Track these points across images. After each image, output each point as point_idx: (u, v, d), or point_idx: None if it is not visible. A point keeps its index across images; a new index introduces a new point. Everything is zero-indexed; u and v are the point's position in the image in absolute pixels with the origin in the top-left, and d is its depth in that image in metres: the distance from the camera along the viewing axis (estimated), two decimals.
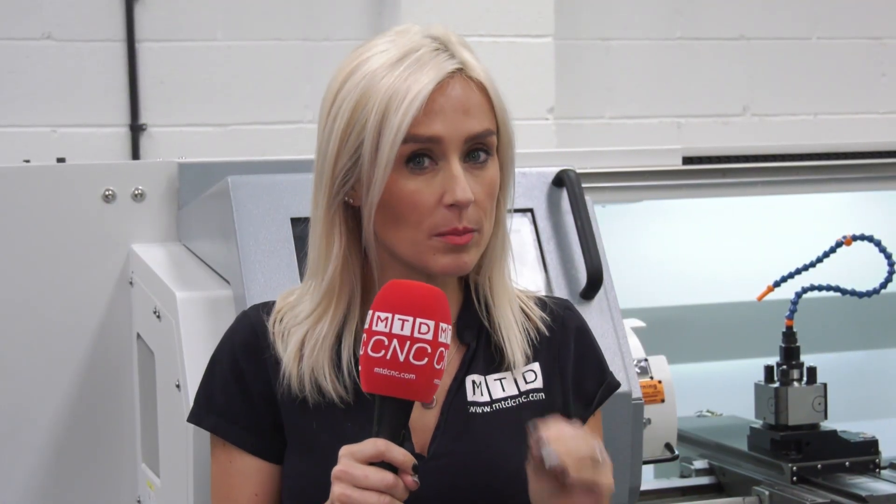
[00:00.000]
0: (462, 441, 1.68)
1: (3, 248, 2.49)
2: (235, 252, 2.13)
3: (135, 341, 2.48)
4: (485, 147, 1.66)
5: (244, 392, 1.73)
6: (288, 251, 2.13)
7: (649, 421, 2.52)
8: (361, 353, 1.52)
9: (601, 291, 2.26)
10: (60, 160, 2.73)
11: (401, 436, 1.50)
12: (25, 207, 2.50)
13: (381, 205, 1.64)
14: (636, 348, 2.52)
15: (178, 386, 2.13)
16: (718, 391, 3.36)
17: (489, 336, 1.74)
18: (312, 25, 4.67)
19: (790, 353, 2.83)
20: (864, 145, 3.30)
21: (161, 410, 2.28)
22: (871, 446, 2.81)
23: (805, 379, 2.82)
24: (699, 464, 2.94)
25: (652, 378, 2.57)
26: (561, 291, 2.25)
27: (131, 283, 2.50)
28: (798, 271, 2.83)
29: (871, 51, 5.33)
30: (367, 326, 1.52)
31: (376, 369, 1.50)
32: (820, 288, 2.82)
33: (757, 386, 2.87)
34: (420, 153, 1.63)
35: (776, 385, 2.82)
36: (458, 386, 1.71)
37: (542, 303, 1.81)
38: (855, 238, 2.76)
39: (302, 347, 1.68)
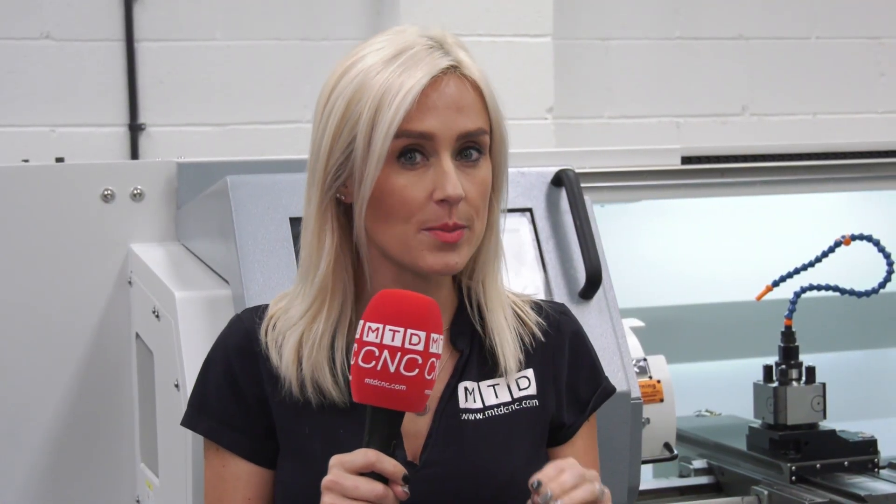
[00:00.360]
0: (454, 449, 1.68)
1: (2, 248, 2.49)
2: (234, 252, 2.13)
3: (134, 341, 2.48)
4: (477, 146, 1.66)
5: (237, 396, 1.73)
6: (287, 251, 2.13)
7: (648, 420, 2.52)
8: (352, 362, 1.52)
9: (600, 291, 2.26)
10: (59, 160, 2.73)
11: (391, 446, 1.50)
12: (24, 207, 2.50)
13: (372, 200, 1.64)
14: (635, 348, 2.53)
15: (176, 385, 2.13)
16: (717, 391, 3.37)
17: (482, 342, 1.73)
18: (311, 25, 4.67)
19: (789, 352, 2.83)
20: (863, 145, 3.30)
21: (160, 410, 2.28)
22: (869, 446, 2.81)
23: (804, 378, 2.83)
24: (698, 463, 2.95)
25: (651, 378, 2.57)
26: (560, 291, 2.25)
27: (130, 282, 2.50)
28: (797, 271, 2.84)
29: (870, 50, 5.33)
30: (357, 336, 1.51)
31: (367, 380, 1.49)
32: (819, 288, 2.82)
33: (756, 385, 2.87)
34: (412, 149, 1.63)
35: (775, 385, 2.82)
36: (450, 393, 1.70)
37: (537, 307, 1.80)
38: (854, 238, 2.77)
39: (300, 349, 1.68)
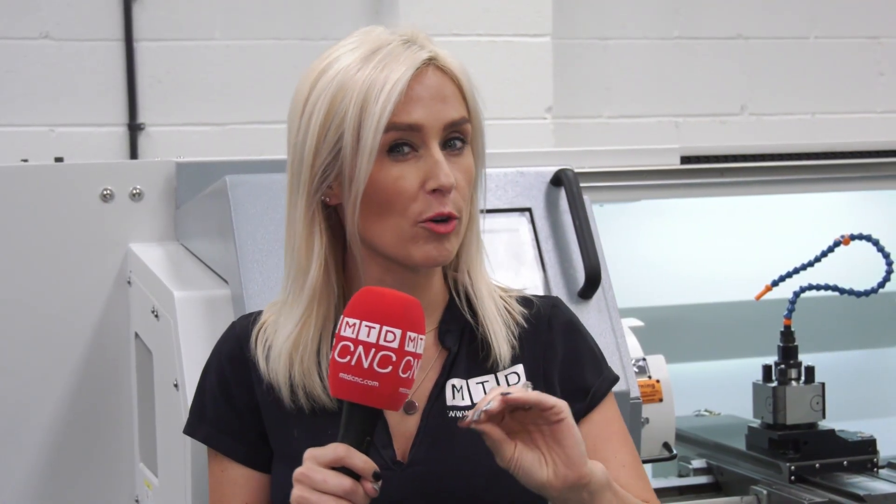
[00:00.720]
0: (441, 447, 1.68)
1: (1, 248, 2.49)
2: (233, 251, 2.13)
3: (133, 341, 2.48)
4: (461, 135, 1.68)
5: (231, 403, 1.75)
6: None
7: (647, 420, 2.52)
8: (330, 356, 1.53)
9: (599, 291, 2.26)
10: (58, 160, 2.73)
11: (365, 442, 1.51)
12: (23, 207, 2.50)
13: (365, 196, 1.64)
14: (634, 348, 2.53)
15: (175, 385, 2.13)
16: (716, 390, 3.37)
17: (473, 337, 1.73)
18: (311, 25, 4.67)
19: (788, 352, 2.83)
20: (862, 145, 3.30)
21: (159, 410, 2.28)
22: (868, 445, 2.81)
23: (803, 378, 2.82)
24: (697, 463, 2.94)
25: (650, 377, 2.57)
26: (559, 291, 2.25)
27: (129, 282, 2.50)
28: (796, 270, 2.84)
29: (869, 50, 5.33)
30: (336, 331, 1.52)
31: (341, 374, 1.50)
32: (818, 287, 2.82)
33: (755, 385, 2.87)
34: (401, 142, 1.64)
35: (774, 384, 2.82)
36: (438, 391, 1.71)
37: (527, 301, 1.80)
38: (853, 237, 2.77)
39: (292, 355, 1.68)
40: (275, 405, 1.70)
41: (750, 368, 2.95)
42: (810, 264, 2.82)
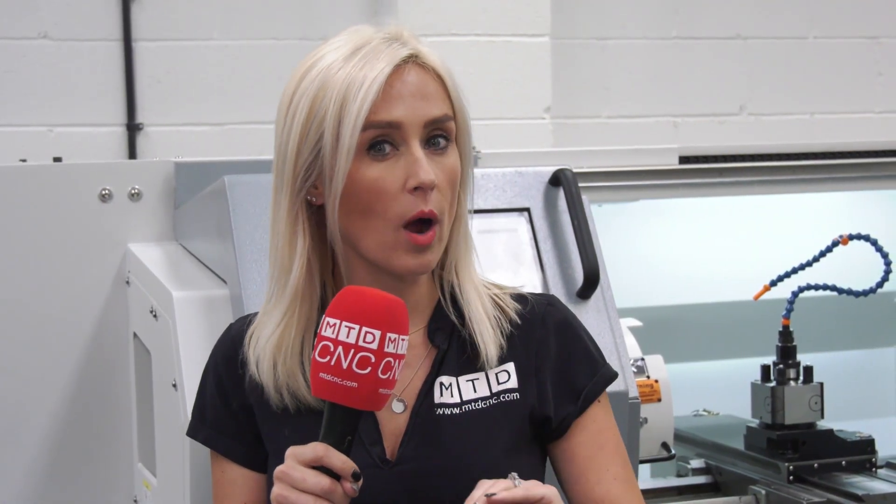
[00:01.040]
0: (429, 445, 1.67)
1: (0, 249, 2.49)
2: (232, 251, 2.13)
3: (131, 341, 2.48)
4: (444, 133, 1.66)
5: (227, 405, 1.76)
6: None
7: (646, 420, 2.52)
8: (311, 356, 1.53)
9: (598, 291, 2.26)
10: (57, 159, 2.73)
11: (346, 442, 1.51)
12: (22, 207, 2.50)
13: (345, 196, 1.64)
14: (633, 347, 2.53)
15: (174, 385, 2.13)
16: (715, 390, 3.37)
17: (461, 335, 1.73)
18: (309, 25, 4.67)
19: (787, 352, 2.83)
20: (861, 145, 3.30)
21: (157, 410, 2.28)
22: (867, 445, 2.81)
23: (801, 378, 2.83)
24: (696, 463, 2.95)
25: (648, 377, 2.57)
26: (558, 291, 2.25)
27: (128, 282, 2.49)
28: (794, 270, 2.84)
29: (868, 50, 5.33)
30: (318, 330, 1.52)
31: (321, 374, 1.50)
32: (816, 287, 2.82)
33: (753, 385, 2.87)
34: (380, 140, 1.63)
35: (773, 384, 2.82)
36: (427, 389, 1.70)
37: (522, 298, 1.79)
38: (851, 237, 2.77)
39: (276, 355, 1.68)
40: (266, 406, 1.71)
41: (748, 368, 2.95)
42: (809, 264, 2.82)
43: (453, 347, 1.73)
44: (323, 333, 1.51)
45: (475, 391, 1.71)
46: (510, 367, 1.74)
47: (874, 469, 2.79)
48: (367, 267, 1.69)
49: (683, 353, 3.35)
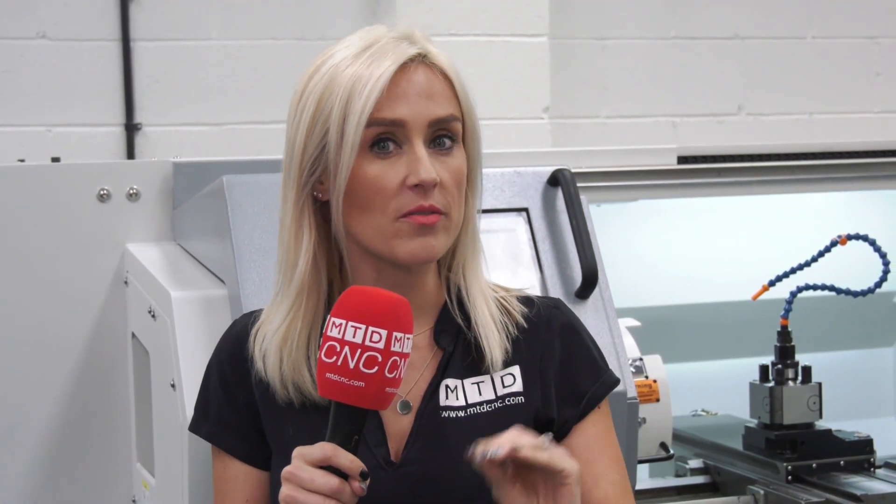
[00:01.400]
0: (433, 448, 1.68)
1: None
2: (230, 251, 2.13)
3: (130, 341, 2.48)
4: (450, 133, 1.67)
5: (231, 401, 1.76)
6: None
7: (644, 420, 2.52)
8: (317, 357, 1.53)
9: (596, 291, 2.26)
10: (55, 160, 2.73)
11: (353, 441, 1.51)
12: (20, 207, 2.50)
13: (348, 191, 1.64)
14: (631, 347, 2.53)
15: (172, 385, 2.13)
16: (713, 390, 3.36)
17: (467, 338, 1.73)
18: (308, 25, 4.67)
19: (785, 352, 2.83)
20: (860, 145, 3.30)
21: (156, 410, 2.28)
22: (865, 445, 2.81)
23: (800, 378, 2.83)
24: (694, 463, 2.94)
25: (647, 377, 2.57)
26: (556, 291, 2.25)
27: (126, 282, 2.49)
28: (793, 270, 2.84)
29: (867, 50, 5.33)
30: (324, 331, 1.53)
31: (328, 374, 1.51)
32: (815, 287, 2.82)
33: (752, 385, 2.87)
34: (384, 137, 1.64)
35: (771, 384, 2.82)
36: (432, 391, 1.70)
37: (528, 301, 1.79)
38: (850, 237, 2.77)
39: (282, 350, 1.68)
40: (270, 402, 1.71)
41: (747, 368, 2.95)
42: (807, 264, 2.82)
43: (459, 350, 1.73)
44: (329, 333, 1.51)
45: (480, 394, 1.71)
46: (515, 370, 1.74)
47: (872, 469, 2.79)
48: (372, 263, 1.69)
49: (682, 353, 3.35)
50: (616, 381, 1.82)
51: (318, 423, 1.63)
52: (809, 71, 5.26)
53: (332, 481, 1.48)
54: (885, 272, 2.76)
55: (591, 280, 2.24)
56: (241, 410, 1.75)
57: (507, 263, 2.27)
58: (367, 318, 1.50)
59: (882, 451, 2.85)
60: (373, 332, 1.50)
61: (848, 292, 2.83)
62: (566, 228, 2.30)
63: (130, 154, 4.49)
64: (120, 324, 2.50)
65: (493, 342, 1.71)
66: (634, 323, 2.61)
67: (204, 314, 2.16)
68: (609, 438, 1.78)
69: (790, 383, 2.81)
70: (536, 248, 2.29)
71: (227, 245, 2.15)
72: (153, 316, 2.27)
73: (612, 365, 2.16)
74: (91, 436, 2.52)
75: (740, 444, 2.89)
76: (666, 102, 5.12)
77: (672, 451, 2.62)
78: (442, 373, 1.72)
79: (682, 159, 3.14)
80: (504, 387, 1.73)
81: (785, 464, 2.74)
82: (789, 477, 2.73)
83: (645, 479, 2.86)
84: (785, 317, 2.82)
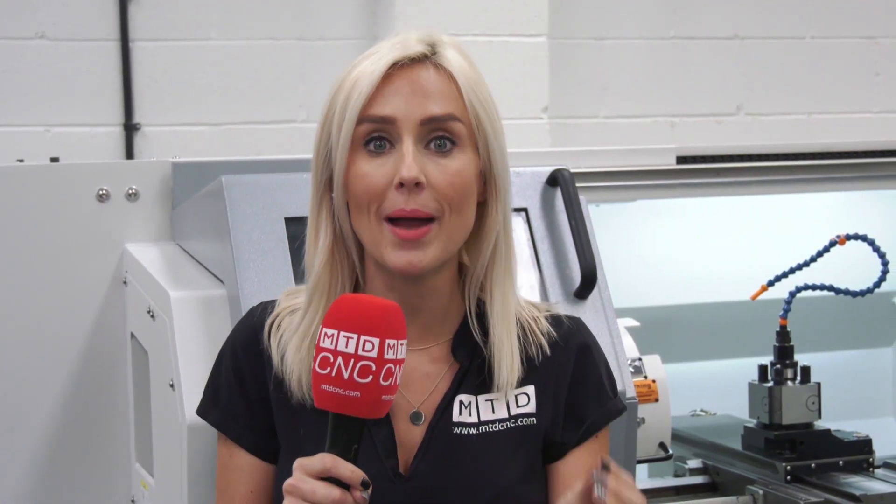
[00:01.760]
0: (444, 463, 1.67)
1: None
2: (229, 251, 2.13)
3: (129, 341, 2.48)
4: (449, 134, 1.64)
5: (243, 391, 1.74)
6: (282, 251, 2.13)
7: (643, 420, 2.52)
8: (311, 367, 1.52)
9: (595, 291, 2.26)
10: (54, 160, 2.72)
11: (353, 451, 1.50)
12: (19, 207, 2.49)
13: (346, 191, 1.64)
14: (630, 347, 2.52)
15: (171, 385, 2.12)
16: (712, 390, 3.36)
17: (484, 354, 1.71)
18: (307, 25, 4.67)
19: (784, 352, 2.83)
20: (859, 145, 3.30)
21: (155, 410, 2.28)
22: (864, 445, 2.81)
23: (799, 378, 2.83)
24: (693, 463, 2.94)
25: (646, 377, 2.57)
26: (555, 291, 2.25)
27: (125, 282, 2.49)
28: (792, 270, 2.84)
29: (866, 50, 5.34)
30: (316, 342, 1.52)
31: (323, 386, 1.50)
32: (814, 287, 2.82)
33: (751, 385, 2.87)
34: (378, 136, 1.63)
35: (770, 384, 2.82)
36: (445, 406, 1.69)
37: (558, 321, 1.77)
38: (849, 237, 2.77)
39: (300, 349, 1.68)
40: (284, 400, 1.70)
41: (746, 368, 2.95)
42: (806, 264, 2.82)
43: (475, 365, 1.71)
44: (321, 345, 1.50)
45: (493, 412, 1.70)
46: (530, 389, 1.72)
47: (871, 469, 2.79)
48: (386, 273, 1.68)
49: (681, 353, 3.35)
50: (621, 411, 1.79)
51: (326, 427, 1.64)
52: (808, 71, 5.27)
53: (333, 492, 1.48)
54: (884, 272, 2.76)
55: (590, 280, 2.24)
56: (253, 403, 1.73)
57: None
58: (358, 327, 1.48)
59: (881, 451, 2.85)
60: (365, 340, 1.48)
61: (847, 292, 2.83)
62: (565, 228, 2.30)
63: (129, 154, 4.49)
64: (119, 324, 2.50)
65: (505, 367, 1.69)
66: (633, 323, 2.61)
67: (203, 314, 2.16)
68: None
69: (789, 383, 2.81)
70: (535, 248, 2.29)
71: (226, 245, 2.15)
72: (152, 316, 2.27)
73: (612, 364, 2.17)
74: (90, 436, 2.52)
75: (739, 444, 2.88)
76: (665, 102, 5.12)
77: (671, 451, 2.61)
78: (457, 387, 1.70)
79: (681, 159, 3.14)
80: (518, 406, 1.71)
81: (784, 464, 2.74)
82: (788, 477, 2.73)
83: (644, 479, 2.86)
84: (784, 317, 2.82)
